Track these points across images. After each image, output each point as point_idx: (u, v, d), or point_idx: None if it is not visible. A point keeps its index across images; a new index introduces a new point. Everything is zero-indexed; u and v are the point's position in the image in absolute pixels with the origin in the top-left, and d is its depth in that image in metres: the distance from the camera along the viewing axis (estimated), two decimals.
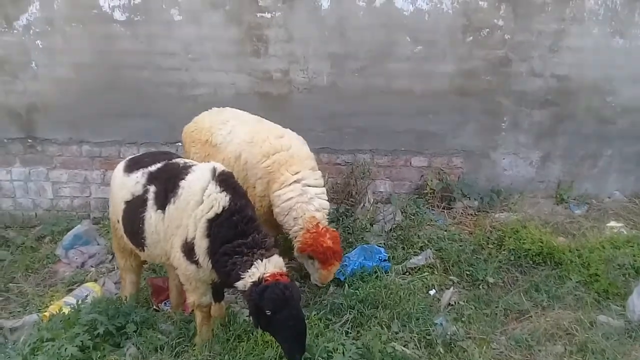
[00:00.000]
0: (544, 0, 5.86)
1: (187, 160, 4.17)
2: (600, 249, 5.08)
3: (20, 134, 6.37)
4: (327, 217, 4.69)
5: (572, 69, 6.07)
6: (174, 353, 3.90)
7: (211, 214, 3.62)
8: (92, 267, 5.68)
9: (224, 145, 4.79)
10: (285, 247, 4.89)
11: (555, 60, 6.04)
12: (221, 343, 3.91)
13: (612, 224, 5.70)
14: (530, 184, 6.47)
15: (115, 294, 5.03)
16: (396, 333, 4.09)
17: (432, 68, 6.09)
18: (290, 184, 4.52)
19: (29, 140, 6.40)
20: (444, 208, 6.27)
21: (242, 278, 3.53)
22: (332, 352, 3.59)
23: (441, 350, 3.95)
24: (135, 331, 4.09)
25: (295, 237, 4.50)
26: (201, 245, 3.64)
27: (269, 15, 5.94)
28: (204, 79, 6.17)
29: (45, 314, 4.53)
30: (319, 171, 4.83)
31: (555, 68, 6.08)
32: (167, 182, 3.86)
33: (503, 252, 5.27)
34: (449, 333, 4.10)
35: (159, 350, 3.93)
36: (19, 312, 4.91)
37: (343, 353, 3.55)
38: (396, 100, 6.18)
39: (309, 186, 4.58)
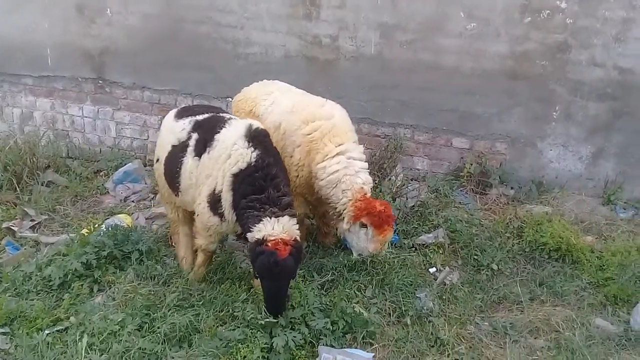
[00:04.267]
0: None
1: (232, 116, 4.37)
2: (624, 254, 4.76)
3: (92, 74, 7.00)
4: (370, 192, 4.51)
5: (638, 62, 5.59)
6: (163, 282, 4.23)
7: (235, 169, 3.77)
8: (133, 202, 6.20)
9: (266, 116, 4.78)
10: (307, 232, 5.00)
11: (619, 51, 5.59)
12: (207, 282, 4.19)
13: None
14: (578, 180, 6.10)
15: (144, 228, 5.50)
16: (370, 298, 4.15)
17: (484, 47, 5.88)
18: (334, 156, 4.38)
19: (100, 81, 7.02)
20: (478, 193, 6.10)
21: (251, 231, 3.64)
22: (296, 304, 3.75)
23: (408, 321, 3.97)
24: (137, 259, 4.48)
25: (344, 209, 4.29)
26: (227, 199, 3.81)
27: None
28: (257, 38, 6.39)
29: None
30: (361, 145, 4.70)
31: (618, 59, 5.62)
32: (207, 132, 4.07)
33: (520, 243, 5.09)
34: (425, 308, 4.09)
35: (153, 279, 4.28)
36: (59, 230, 5.51)
37: (305, 302, 3.69)
38: (443, 76, 6.05)
39: (353, 159, 4.44)
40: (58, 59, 6.97)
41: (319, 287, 4.25)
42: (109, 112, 7.11)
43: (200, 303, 3.96)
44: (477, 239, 5.13)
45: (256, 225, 3.60)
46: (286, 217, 3.63)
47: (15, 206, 5.80)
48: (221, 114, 4.35)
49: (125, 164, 6.72)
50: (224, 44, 6.50)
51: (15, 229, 5.34)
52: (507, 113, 6.08)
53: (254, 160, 3.75)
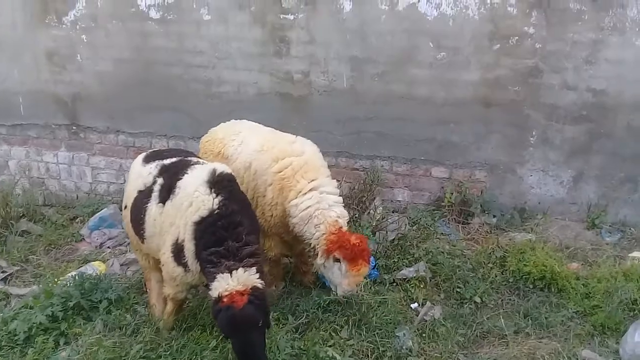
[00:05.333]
0: (581, 7, 5.42)
1: (200, 160, 4.25)
2: (610, 280, 4.63)
3: (65, 120, 6.93)
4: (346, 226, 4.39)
5: (611, 83, 5.56)
6: (131, 331, 4.05)
7: (196, 217, 3.59)
8: (109, 247, 6.05)
9: (235, 156, 4.68)
10: (284, 271, 4.93)
11: (591, 73, 5.57)
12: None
13: (635, 254, 5.15)
14: (561, 205, 6.01)
15: (119, 275, 5.35)
16: (347, 340, 3.98)
17: (455, 76, 5.85)
18: (307, 192, 4.30)
19: (73, 127, 6.94)
20: (460, 222, 6.00)
21: (210, 290, 3.48)
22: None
23: None
24: (106, 308, 4.32)
25: (318, 244, 4.17)
26: (189, 248, 3.62)
27: (291, 17, 6.01)
28: (229, 77, 6.36)
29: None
30: (335, 180, 4.60)
31: (591, 81, 5.60)
32: (172, 178, 3.92)
33: (503, 273, 4.96)
34: (404, 347, 3.93)
35: (120, 329, 4.11)
36: (30, 281, 5.34)
37: (276, 349, 3.52)
38: (416, 107, 6.01)
39: (327, 193, 4.34)
40: (30, 106, 6.90)
41: (293, 330, 4.08)
42: (84, 157, 7.02)
43: (168, 353, 3.78)
44: (459, 271, 5.00)
45: (212, 283, 3.43)
46: (240, 270, 3.41)
47: None
48: (189, 158, 4.23)
49: (102, 209, 6.60)
50: (196, 84, 6.46)
51: None
52: (483, 140, 6.02)
53: (217, 207, 3.59)
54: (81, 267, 5.41)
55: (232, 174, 3.97)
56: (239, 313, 3.25)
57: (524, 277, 4.88)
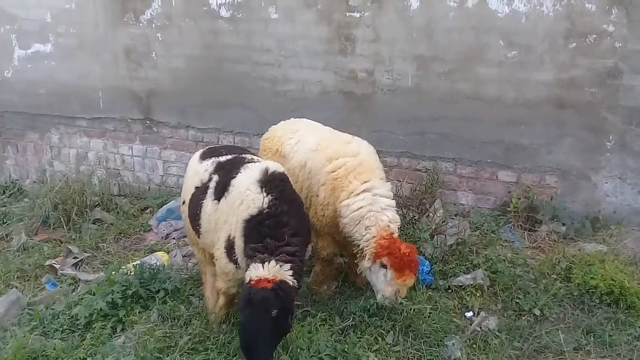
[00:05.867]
0: None
1: (255, 157, 4.31)
2: None
3: (140, 115, 7.26)
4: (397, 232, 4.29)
5: None
6: (183, 322, 4.18)
7: (246, 215, 3.65)
8: (174, 239, 6.28)
9: (292, 155, 4.70)
10: (337, 271, 4.88)
11: None
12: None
13: None
14: (638, 216, 5.58)
15: (180, 266, 5.55)
16: (392, 345, 3.89)
17: (527, 75, 5.58)
18: (359, 193, 4.22)
19: (147, 122, 7.26)
20: (526, 230, 5.72)
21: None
22: (302, 348, 3.58)
23: None
24: (162, 298, 4.48)
25: (367, 246, 4.10)
26: (239, 245, 3.69)
27: (357, 15, 5.97)
28: (294, 75, 6.40)
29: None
30: (389, 183, 4.52)
31: None
32: (227, 175, 4.00)
33: (568, 285, 4.68)
34: (452, 357, 3.79)
35: (174, 320, 4.25)
36: (99, 268, 5.64)
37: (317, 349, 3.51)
38: (484, 107, 5.78)
39: (380, 196, 4.27)
40: (109, 101, 7.29)
41: (339, 332, 4.05)
42: (156, 151, 7.32)
43: (215, 346, 3.87)
44: (520, 281, 4.76)
45: (246, 272, 3.50)
46: (273, 262, 3.44)
47: (62, 244, 6.02)
48: (243, 155, 4.29)
49: (170, 201, 6.85)
50: (262, 82, 6.56)
51: (57, 266, 5.52)
52: (556, 144, 5.69)
53: (266, 206, 3.63)
54: (146, 256, 5.64)
55: (285, 173, 3.99)
56: (256, 291, 3.30)
57: (590, 290, 4.56)
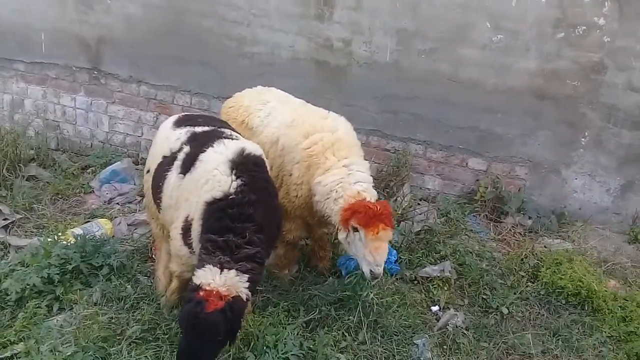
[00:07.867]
0: None
1: (235, 134, 3.81)
2: None
3: (87, 64, 6.56)
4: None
5: None
6: (130, 306, 3.75)
7: (208, 197, 3.22)
8: (118, 204, 5.74)
9: (260, 129, 4.25)
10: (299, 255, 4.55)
11: None
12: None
13: None
14: (603, 214, 5.57)
15: (125, 236, 5.06)
16: (361, 344, 3.65)
17: (511, 62, 5.36)
18: (336, 170, 3.85)
19: (95, 72, 6.57)
20: (492, 220, 5.59)
21: (193, 275, 3.10)
22: (269, 347, 3.26)
23: None
24: (106, 275, 4.01)
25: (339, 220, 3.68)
26: (195, 229, 3.26)
27: None
28: (263, 37, 5.91)
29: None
30: (367, 162, 4.12)
31: None
32: (198, 149, 3.52)
33: (535, 283, 4.59)
34: (422, 358, 3.59)
35: (119, 301, 3.81)
36: (32, 232, 5.06)
37: (283, 346, 3.20)
38: (462, 91, 5.53)
39: (357, 171, 3.87)
40: (52, 45, 6.53)
41: (304, 325, 3.74)
42: (102, 104, 6.66)
43: (166, 337, 3.47)
44: (487, 276, 4.62)
45: (198, 269, 3.05)
46: (233, 272, 3.00)
47: None
48: (222, 129, 3.79)
49: (115, 162, 6.28)
50: (228, 40, 6.02)
51: None
52: (530, 135, 5.55)
53: (233, 191, 3.20)
54: (87, 222, 5.11)
55: (263, 157, 3.57)
56: (203, 315, 2.86)
57: (557, 290, 4.51)
